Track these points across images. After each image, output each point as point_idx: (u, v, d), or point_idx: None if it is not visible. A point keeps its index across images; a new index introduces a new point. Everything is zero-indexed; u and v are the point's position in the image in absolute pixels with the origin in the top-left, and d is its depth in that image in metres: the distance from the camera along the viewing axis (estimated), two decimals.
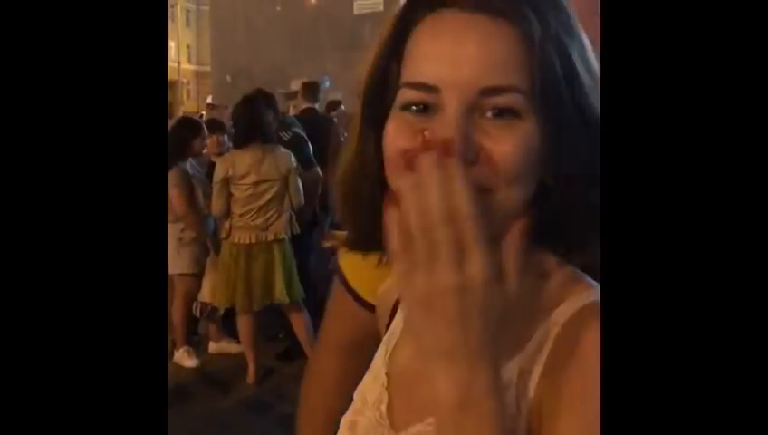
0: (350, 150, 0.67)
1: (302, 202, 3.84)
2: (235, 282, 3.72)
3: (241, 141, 3.77)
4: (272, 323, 4.26)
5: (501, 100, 0.56)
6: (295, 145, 4.11)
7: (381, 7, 8.31)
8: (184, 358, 4.17)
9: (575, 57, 0.58)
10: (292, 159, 3.78)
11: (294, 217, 3.88)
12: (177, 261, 3.98)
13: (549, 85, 0.56)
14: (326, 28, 8.46)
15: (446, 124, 0.56)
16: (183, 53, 40.73)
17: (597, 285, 0.62)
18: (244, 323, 3.87)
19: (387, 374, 0.73)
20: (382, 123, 0.62)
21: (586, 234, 0.61)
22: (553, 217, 0.61)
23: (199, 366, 4.17)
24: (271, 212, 3.72)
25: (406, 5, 0.62)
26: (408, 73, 0.60)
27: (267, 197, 3.70)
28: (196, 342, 4.45)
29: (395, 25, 0.62)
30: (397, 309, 0.78)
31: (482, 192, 0.55)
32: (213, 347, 4.40)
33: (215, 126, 4.73)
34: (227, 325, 4.29)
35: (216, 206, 3.72)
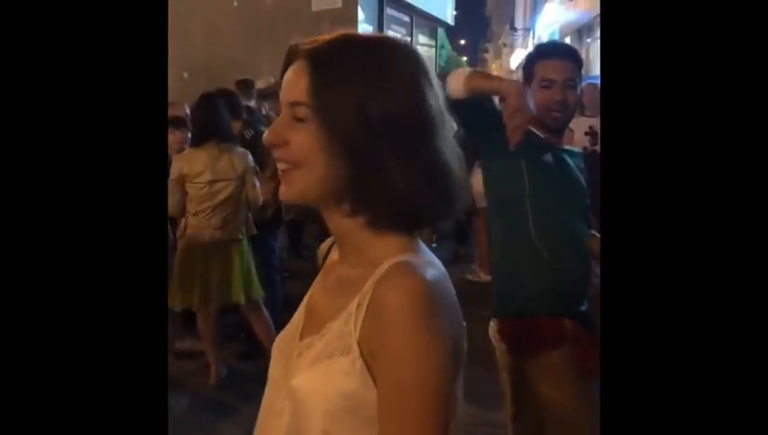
0: None
1: (259, 202, 3.79)
2: (192, 282, 3.65)
3: (197, 140, 3.71)
4: (234, 322, 4.22)
5: (296, 109, 0.87)
6: (257, 144, 4.05)
7: (339, 4, 8.23)
8: None
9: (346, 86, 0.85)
10: (250, 158, 3.73)
11: (251, 218, 3.83)
12: None
13: (321, 103, 0.85)
14: (284, 24, 8.35)
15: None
16: None
17: (420, 260, 0.85)
18: (203, 324, 3.82)
19: (305, 304, 1.01)
20: None
21: (389, 215, 0.86)
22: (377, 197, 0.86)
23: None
24: (227, 212, 3.67)
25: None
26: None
27: (222, 196, 3.64)
28: None
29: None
30: (328, 256, 1.06)
31: (298, 166, 0.87)
32: (178, 345, 4.31)
33: (175, 123, 4.61)
34: (192, 325, 4.22)
35: (170, 204, 3.55)
